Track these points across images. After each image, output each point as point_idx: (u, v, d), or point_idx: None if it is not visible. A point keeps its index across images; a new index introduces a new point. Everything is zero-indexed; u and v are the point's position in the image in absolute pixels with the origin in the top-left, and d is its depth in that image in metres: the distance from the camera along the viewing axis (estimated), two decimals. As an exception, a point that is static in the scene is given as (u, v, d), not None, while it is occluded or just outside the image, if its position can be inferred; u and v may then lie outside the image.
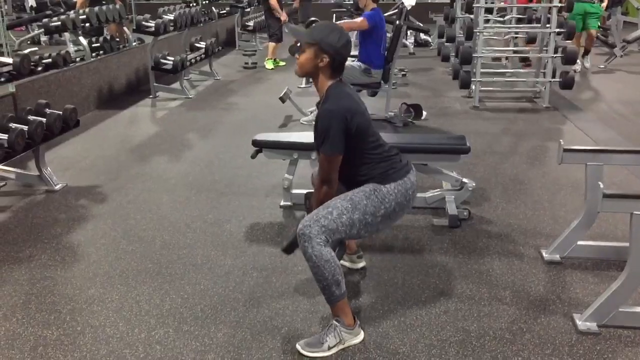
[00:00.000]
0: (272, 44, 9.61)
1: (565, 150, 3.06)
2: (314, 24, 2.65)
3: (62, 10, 9.38)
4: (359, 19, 5.80)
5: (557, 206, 4.00)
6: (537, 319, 2.71)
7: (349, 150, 2.50)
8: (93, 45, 7.42)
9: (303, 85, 7.87)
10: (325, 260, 2.38)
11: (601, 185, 2.50)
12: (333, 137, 2.44)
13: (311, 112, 6.26)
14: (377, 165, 2.56)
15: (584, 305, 2.75)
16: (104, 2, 8.38)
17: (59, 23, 6.80)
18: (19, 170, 4.35)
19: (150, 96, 7.47)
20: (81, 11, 7.33)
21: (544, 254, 3.29)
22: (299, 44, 9.34)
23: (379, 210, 2.50)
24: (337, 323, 2.48)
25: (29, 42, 9.51)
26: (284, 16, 9.22)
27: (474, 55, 6.89)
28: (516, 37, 9.15)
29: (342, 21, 5.91)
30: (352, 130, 2.46)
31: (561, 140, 3.08)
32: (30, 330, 2.64)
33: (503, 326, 2.66)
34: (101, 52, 7.48)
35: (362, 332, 2.56)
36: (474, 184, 3.79)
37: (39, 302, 2.86)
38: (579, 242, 3.23)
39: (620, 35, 9.88)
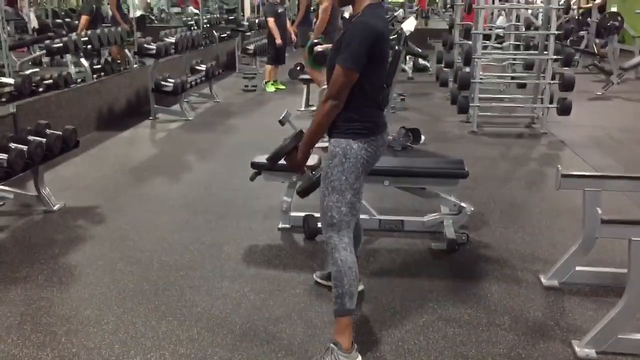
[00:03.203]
0: (268, 67, 9.71)
1: (564, 175, 3.07)
2: None
3: (64, 32, 9.46)
4: None
5: (556, 231, 4.00)
6: (536, 345, 2.70)
7: (357, 81, 2.39)
8: (94, 66, 7.48)
9: (302, 109, 7.91)
10: (348, 267, 2.45)
11: (599, 211, 2.51)
12: (357, 50, 2.33)
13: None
14: (368, 112, 2.48)
15: (582, 332, 2.74)
16: (103, 24, 8.47)
17: (61, 45, 6.86)
18: (17, 190, 4.35)
19: (150, 118, 7.51)
20: (83, 33, 7.40)
21: (542, 279, 3.28)
22: (298, 68, 9.43)
23: (357, 169, 2.47)
24: (334, 347, 2.47)
25: (30, 63, 9.56)
26: (279, 40, 9.30)
27: (472, 80, 6.94)
28: (514, 64, 9.24)
29: None
30: (375, 54, 2.37)
31: (559, 166, 3.09)
32: (25, 352, 2.62)
33: (502, 352, 2.64)
34: (102, 73, 7.53)
35: (359, 357, 2.54)
36: (472, 209, 3.80)
37: (35, 323, 2.84)
38: (578, 268, 3.22)
39: (617, 63, 9.98)
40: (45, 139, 4.22)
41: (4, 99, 4.76)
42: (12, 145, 4.01)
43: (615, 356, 2.59)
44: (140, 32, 8.68)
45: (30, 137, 4.20)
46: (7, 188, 4.25)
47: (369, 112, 2.49)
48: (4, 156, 3.86)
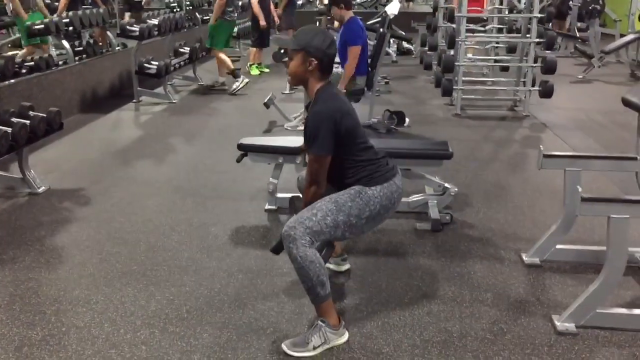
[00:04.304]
0: (252, 49, 9.69)
1: (545, 156, 3.13)
2: (297, 31, 2.69)
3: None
4: (354, 51, 5.62)
5: (537, 211, 4.08)
6: (517, 320, 2.77)
7: (337, 152, 2.54)
8: (75, 48, 7.40)
9: (287, 91, 7.90)
10: (310, 262, 2.41)
11: (579, 189, 2.57)
12: (322, 138, 2.49)
13: (295, 118, 6.30)
14: (364, 168, 2.60)
15: (562, 307, 2.82)
16: (84, 6, 8.36)
17: (42, 26, 6.78)
18: (1, 173, 4.33)
19: (134, 100, 7.46)
20: (64, 14, 7.30)
21: (524, 257, 3.36)
22: (282, 51, 9.39)
23: (364, 212, 2.55)
24: (322, 323, 2.52)
25: (9, 45, 9.42)
26: (263, 23, 9.24)
27: (455, 63, 6.99)
28: (497, 47, 9.30)
29: (346, 64, 5.79)
30: (341, 131, 2.52)
31: (541, 146, 3.15)
32: (14, 331, 2.64)
33: (484, 327, 2.71)
34: (84, 55, 7.46)
35: (346, 333, 2.60)
36: (456, 189, 3.86)
37: (24, 303, 2.86)
38: (558, 246, 3.30)
39: (598, 46, 10.08)
40: (29, 121, 4.19)
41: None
42: (-4, 127, 3.99)
43: (594, 330, 2.67)
44: (130, 13, 8.58)
45: (14, 119, 4.18)
46: (-9, 170, 4.23)
47: (368, 167, 2.61)
48: (-12, 138, 3.84)
